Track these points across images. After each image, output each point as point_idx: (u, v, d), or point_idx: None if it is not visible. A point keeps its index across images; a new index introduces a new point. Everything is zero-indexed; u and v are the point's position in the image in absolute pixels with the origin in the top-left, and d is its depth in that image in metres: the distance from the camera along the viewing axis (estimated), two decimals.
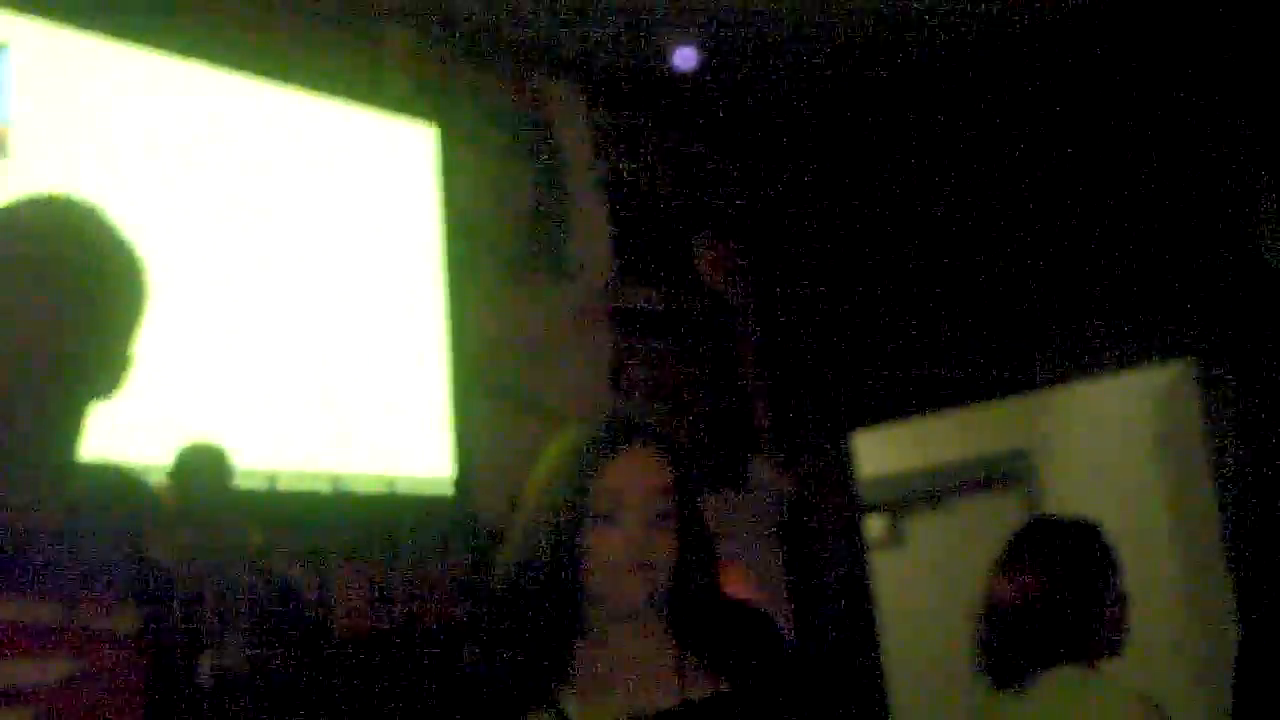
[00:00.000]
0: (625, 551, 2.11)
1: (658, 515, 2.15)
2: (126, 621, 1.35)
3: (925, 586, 5.23)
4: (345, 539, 3.39)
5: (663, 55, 4.05)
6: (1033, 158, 4.50)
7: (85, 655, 1.30)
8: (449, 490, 3.63)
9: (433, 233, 3.76)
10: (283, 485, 3.26)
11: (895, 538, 5.38)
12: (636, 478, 2.16)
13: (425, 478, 3.61)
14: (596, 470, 2.16)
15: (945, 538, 5.38)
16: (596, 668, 2.09)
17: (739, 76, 4.29)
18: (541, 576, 2.15)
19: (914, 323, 4.49)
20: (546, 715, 2.00)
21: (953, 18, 4.08)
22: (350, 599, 3.31)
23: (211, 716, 1.48)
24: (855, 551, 4.04)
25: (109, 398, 1.40)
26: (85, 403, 1.40)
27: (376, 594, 3.42)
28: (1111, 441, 5.08)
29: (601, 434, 2.24)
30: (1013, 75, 4.38)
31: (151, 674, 1.36)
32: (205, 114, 3.34)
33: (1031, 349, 4.59)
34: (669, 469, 2.20)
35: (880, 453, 4.96)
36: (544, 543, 2.17)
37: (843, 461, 4.23)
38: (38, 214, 1.44)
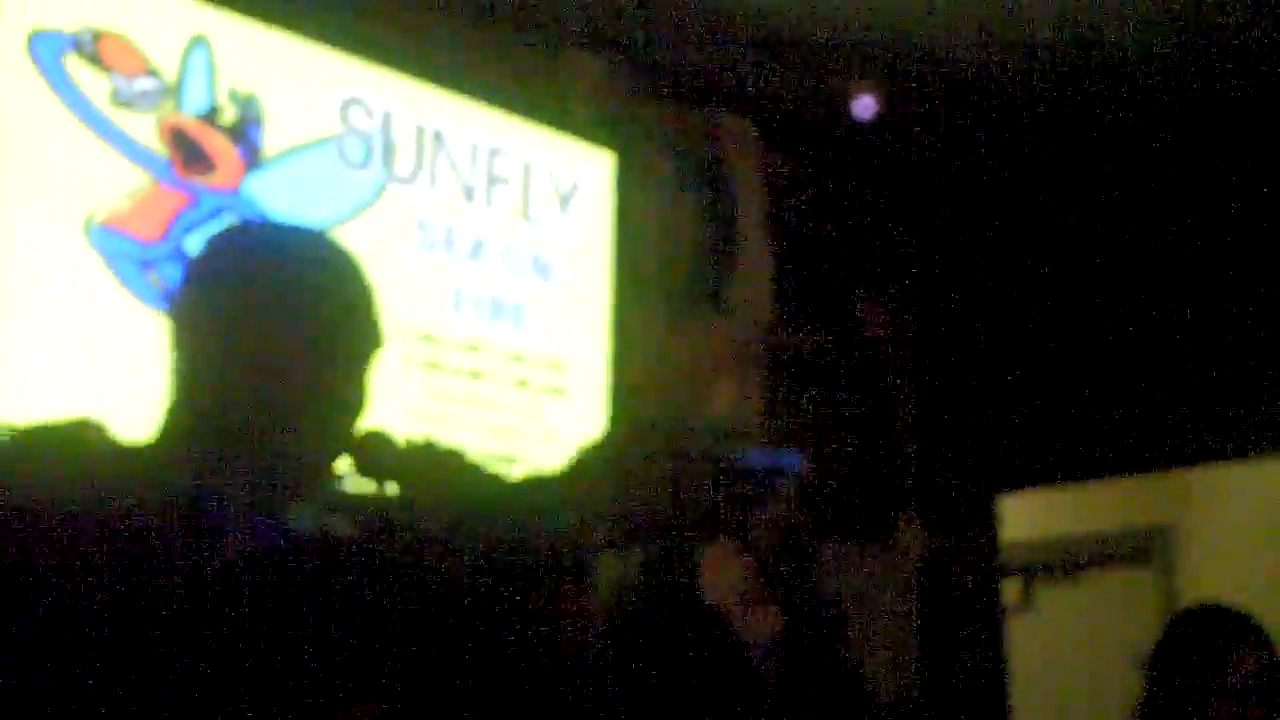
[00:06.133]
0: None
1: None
2: None
3: (1054, 657, 5.13)
4: None
5: (842, 101, 4.02)
6: (1210, 231, 4.41)
7: None
8: None
9: (601, 260, 3.76)
10: None
11: (1027, 604, 5.29)
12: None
13: None
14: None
15: (1077, 610, 5.28)
16: None
17: (916, 129, 4.25)
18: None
19: (1072, 391, 4.42)
20: None
21: (1143, 81, 4.00)
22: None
23: None
24: (992, 617, 3.97)
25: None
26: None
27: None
28: (1257, 528, 4.95)
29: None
30: (1201, 147, 4.28)
31: None
32: (386, 116, 3.37)
33: (1179, 426, 4.50)
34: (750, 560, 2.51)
35: (1016, 518, 4.88)
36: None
37: (987, 524, 4.16)
38: (308, 258, 1.54)
